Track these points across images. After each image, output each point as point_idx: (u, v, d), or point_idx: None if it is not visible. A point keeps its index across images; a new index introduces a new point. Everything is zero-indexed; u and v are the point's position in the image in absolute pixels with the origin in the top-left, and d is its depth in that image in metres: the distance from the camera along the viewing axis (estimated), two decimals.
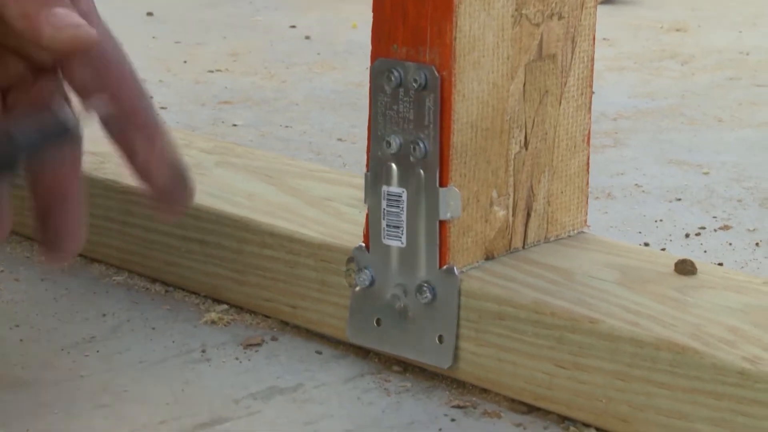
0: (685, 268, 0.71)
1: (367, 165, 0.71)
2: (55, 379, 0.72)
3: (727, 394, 0.62)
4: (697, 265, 0.73)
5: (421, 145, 0.69)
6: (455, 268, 0.69)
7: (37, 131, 0.62)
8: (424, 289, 0.70)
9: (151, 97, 0.66)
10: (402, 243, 0.70)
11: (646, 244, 0.94)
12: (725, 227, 0.98)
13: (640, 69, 1.51)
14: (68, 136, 0.63)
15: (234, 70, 1.47)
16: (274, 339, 0.77)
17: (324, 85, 1.41)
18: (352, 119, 1.27)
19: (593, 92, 0.76)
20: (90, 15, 0.66)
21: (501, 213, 0.72)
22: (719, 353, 0.62)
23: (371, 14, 0.70)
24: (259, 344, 0.76)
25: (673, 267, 0.72)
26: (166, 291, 0.84)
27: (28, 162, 0.63)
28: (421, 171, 0.69)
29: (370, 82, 0.70)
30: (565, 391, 0.67)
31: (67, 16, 0.62)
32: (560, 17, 0.73)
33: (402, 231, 0.70)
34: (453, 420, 0.68)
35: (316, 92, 1.38)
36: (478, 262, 0.71)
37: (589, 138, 0.76)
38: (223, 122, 1.26)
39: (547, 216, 0.75)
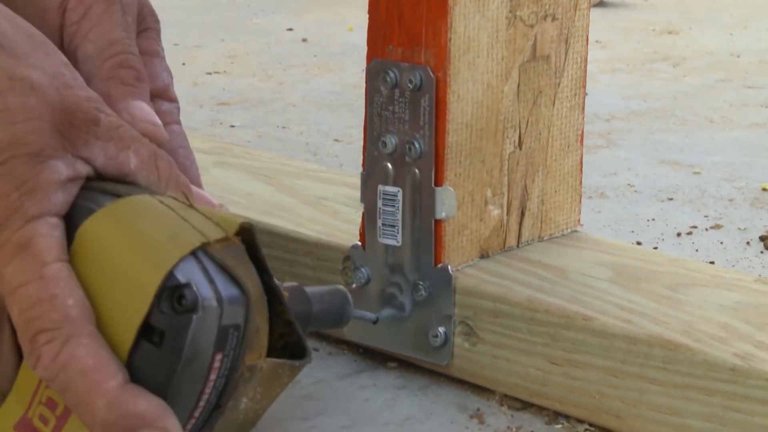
0: None
1: (363, 165, 0.72)
2: None
3: (719, 391, 0.62)
4: (688, 264, 0.73)
5: (417, 145, 0.69)
6: (450, 267, 0.70)
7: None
8: (420, 287, 0.71)
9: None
10: (397, 242, 0.71)
11: (639, 243, 0.94)
12: (717, 226, 0.99)
13: (632, 71, 1.52)
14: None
15: (232, 72, 1.47)
16: None
17: (321, 86, 1.42)
18: (348, 120, 1.28)
19: (586, 93, 0.77)
20: (170, 114, 0.68)
21: (495, 212, 0.73)
22: (711, 350, 0.63)
23: (367, 16, 0.70)
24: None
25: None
26: None
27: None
28: (417, 171, 0.70)
29: (366, 82, 0.71)
30: (559, 388, 0.67)
31: (147, 113, 0.64)
32: (554, 19, 0.73)
33: (397, 230, 0.71)
34: (448, 416, 0.69)
35: (312, 93, 1.39)
36: (472, 260, 0.72)
37: (582, 138, 0.77)
38: (221, 123, 1.27)
39: (541, 215, 0.76)
